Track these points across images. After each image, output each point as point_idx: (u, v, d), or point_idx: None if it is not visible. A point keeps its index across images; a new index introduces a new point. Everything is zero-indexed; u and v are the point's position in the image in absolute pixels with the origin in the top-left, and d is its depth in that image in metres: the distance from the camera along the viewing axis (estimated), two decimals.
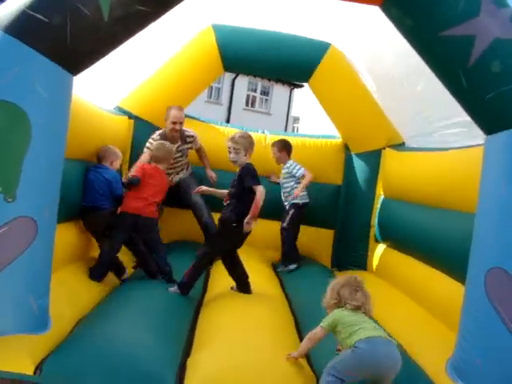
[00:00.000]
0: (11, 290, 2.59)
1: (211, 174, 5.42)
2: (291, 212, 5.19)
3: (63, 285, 3.32)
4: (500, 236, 2.70)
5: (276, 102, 23.70)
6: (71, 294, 3.35)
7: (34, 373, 2.47)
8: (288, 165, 5.33)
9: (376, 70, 5.01)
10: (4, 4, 2.62)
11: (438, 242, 3.82)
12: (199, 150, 5.47)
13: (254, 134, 5.71)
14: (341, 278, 2.95)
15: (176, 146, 5.06)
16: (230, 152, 3.95)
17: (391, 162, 5.14)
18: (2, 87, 2.50)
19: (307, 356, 2.93)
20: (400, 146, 5.21)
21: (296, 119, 23.74)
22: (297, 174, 5.26)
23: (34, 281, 2.69)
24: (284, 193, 5.36)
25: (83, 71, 2.80)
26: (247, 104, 23.29)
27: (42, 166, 2.62)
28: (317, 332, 2.71)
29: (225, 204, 3.98)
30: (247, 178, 3.84)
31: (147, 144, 4.90)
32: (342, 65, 5.32)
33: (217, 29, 5.31)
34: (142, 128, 5.29)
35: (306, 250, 5.62)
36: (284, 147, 5.39)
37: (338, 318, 2.67)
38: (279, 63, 5.43)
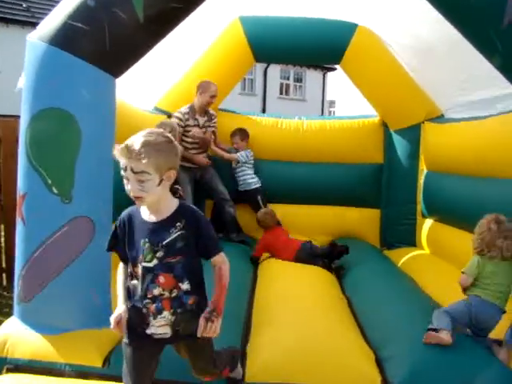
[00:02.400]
0: (75, 288, 2.73)
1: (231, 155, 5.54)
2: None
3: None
4: None
5: (310, 88, 23.53)
6: None
7: (103, 365, 2.60)
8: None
9: (408, 44, 4.94)
10: (45, 19, 2.77)
11: (487, 211, 3.76)
12: (215, 132, 5.53)
13: (290, 121, 5.80)
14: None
15: (204, 119, 5.22)
16: None
17: (431, 135, 5.07)
18: (51, 95, 2.65)
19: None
20: (439, 119, 5.13)
21: (332, 103, 23.53)
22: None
23: (96, 278, 2.83)
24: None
25: (124, 73, 2.91)
26: (281, 92, 23.22)
27: (94, 167, 2.75)
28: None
29: None
30: None
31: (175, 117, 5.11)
32: (372, 43, 5.26)
33: (244, 20, 5.34)
34: None
35: (353, 231, 5.64)
36: (247, 136, 5.57)
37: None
38: (308, 48, 5.41)
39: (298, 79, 23.65)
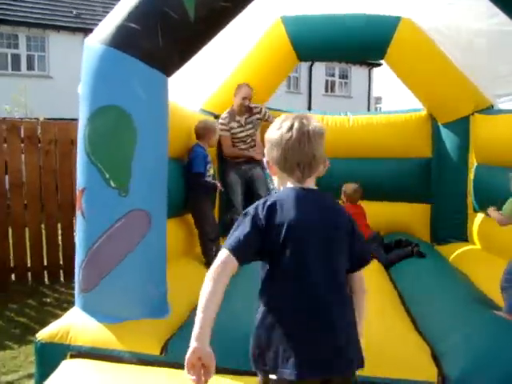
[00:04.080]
0: (132, 279, 2.83)
1: None
2: None
3: (177, 275, 3.56)
4: None
5: (356, 84, 23.34)
6: (185, 283, 3.57)
7: (161, 353, 2.70)
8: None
9: (454, 35, 4.85)
10: (101, 23, 2.91)
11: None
12: (268, 120, 5.52)
13: (336, 118, 5.80)
14: None
15: (244, 117, 5.35)
16: None
17: (481, 127, 4.97)
18: (108, 94, 2.78)
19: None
20: (489, 110, 5.02)
21: (378, 99, 23.31)
22: None
23: (152, 269, 2.94)
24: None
25: (176, 71, 3.01)
26: (326, 90, 23.14)
27: (150, 161, 2.86)
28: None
29: None
30: None
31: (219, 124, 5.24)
32: (416, 36, 5.19)
33: (285, 20, 5.39)
34: None
35: (403, 226, 5.59)
36: None
37: None
38: (352, 45, 5.41)
39: (344, 76, 23.48)
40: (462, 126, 5.17)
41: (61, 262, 5.77)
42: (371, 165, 5.71)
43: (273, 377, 1.62)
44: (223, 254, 1.63)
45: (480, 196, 5.00)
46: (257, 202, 1.72)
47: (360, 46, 5.35)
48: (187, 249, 4.52)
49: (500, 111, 4.82)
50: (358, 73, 23.25)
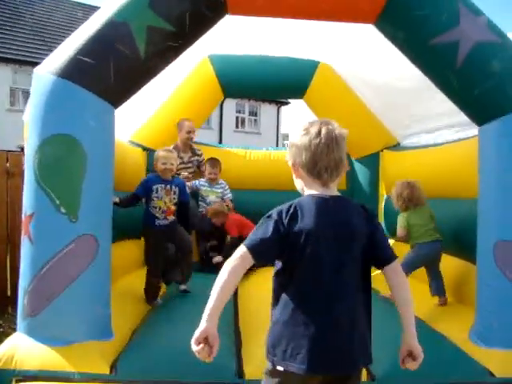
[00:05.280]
0: (81, 301, 2.89)
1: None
2: None
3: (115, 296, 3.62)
4: (501, 213, 3.10)
5: (265, 121, 24.23)
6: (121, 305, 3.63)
7: (110, 372, 2.77)
8: (223, 185, 5.75)
9: (366, 79, 5.43)
10: (52, 54, 3.01)
11: (443, 229, 4.21)
12: (201, 168, 5.87)
13: (259, 152, 6.17)
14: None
15: (187, 156, 5.61)
16: None
17: (389, 161, 5.57)
18: (59, 123, 2.87)
19: None
20: (396, 147, 5.63)
21: (285, 136, 24.29)
22: (225, 197, 5.71)
23: (99, 292, 3.01)
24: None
25: (123, 104, 3.18)
26: (237, 126, 23.80)
27: (98, 188, 2.97)
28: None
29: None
30: None
31: None
32: (332, 80, 5.78)
33: (213, 59, 5.75)
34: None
35: None
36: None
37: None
38: (274, 85, 5.90)
39: (253, 113, 24.32)
40: (372, 161, 5.75)
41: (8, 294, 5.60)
42: (293, 196, 6.06)
43: (280, 368, 1.78)
44: (242, 250, 1.78)
45: (389, 223, 5.52)
46: (280, 207, 1.83)
47: (282, 86, 5.82)
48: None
49: (405, 148, 5.43)
50: (266, 110, 24.18)
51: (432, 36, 3.11)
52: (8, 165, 5.83)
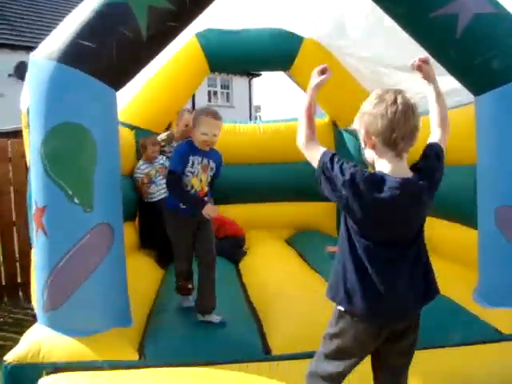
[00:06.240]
0: (102, 290, 2.90)
1: None
2: None
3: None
4: (502, 179, 3.21)
5: (237, 94, 23.99)
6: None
7: (139, 358, 2.81)
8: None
9: (352, 52, 5.44)
10: (48, 38, 2.92)
11: (443, 196, 4.32)
12: None
13: (247, 126, 6.18)
14: None
15: None
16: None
17: None
18: (65, 111, 2.80)
19: None
20: None
21: (257, 108, 24.24)
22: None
23: (117, 278, 3.03)
24: None
25: (124, 87, 3.13)
26: (209, 100, 23.46)
27: (108, 174, 2.95)
28: None
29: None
30: None
31: None
32: (319, 50, 5.74)
33: (199, 35, 5.65)
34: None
35: (312, 224, 6.12)
36: None
37: None
38: (260, 58, 5.84)
39: (225, 86, 24.02)
40: None
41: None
42: (281, 169, 6.16)
43: (340, 308, 1.89)
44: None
45: None
46: (356, 168, 1.86)
47: (268, 58, 5.78)
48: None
49: None
50: (238, 83, 23.91)
51: (431, 9, 3.14)
52: None
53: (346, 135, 6.03)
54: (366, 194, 1.80)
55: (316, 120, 6.36)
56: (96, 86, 2.88)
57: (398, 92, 1.84)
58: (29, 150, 3.22)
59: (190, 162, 3.18)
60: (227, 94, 24.12)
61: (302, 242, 5.63)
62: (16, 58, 16.03)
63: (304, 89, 6.05)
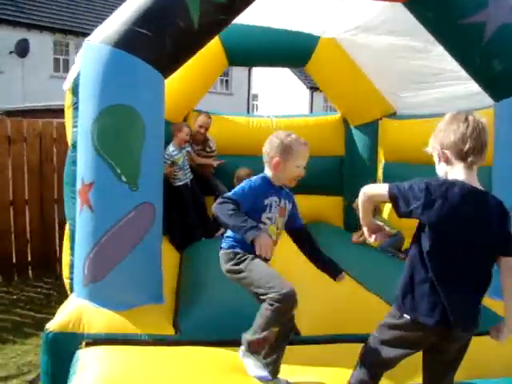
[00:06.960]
0: (141, 266, 3.04)
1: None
2: None
3: None
4: None
5: (236, 82, 23.92)
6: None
7: (175, 332, 2.95)
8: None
9: (365, 52, 5.59)
10: (106, 22, 3.05)
11: None
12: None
13: (261, 120, 6.32)
14: None
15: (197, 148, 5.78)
16: None
17: (388, 129, 5.84)
18: (117, 93, 2.95)
19: None
20: (394, 115, 5.91)
21: (255, 96, 24.24)
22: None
23: (155, 256, 3.17)
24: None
25: (172, 74, 3.27)
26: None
27: (154, 156, 3.09)
28: None
29: None
30: None
31: None
32: (335, 51, 5.87)
33: None
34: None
35: (320, 216, 6.28)
36: None
37: None
38: (278, 54, 5.96)
39: (225, 73, 23.91)
40: (371, 129, 6.00)
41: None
42: None
43: (407, 316, 2.06)
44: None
45: None
46: (431, 182, 2.01)
47: (285, 55, 5.92)
48: None
49: (403, 117, 5.72)
50: (238, 71, 23.80)
51: (461, 17, 3.33)
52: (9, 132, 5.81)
53: (356, 132, 6.19)
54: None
55: (327, 117, 6.56)
56: (148, 71, 3.03)
57: (469, 112, 2.05)
58: (71, 129, 3.36)
59: (267, 206, 2.50)
60: (226, 81, 24.08)
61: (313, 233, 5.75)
62: (16, 35, 16.00)
63: (320, 85, 6.23)
